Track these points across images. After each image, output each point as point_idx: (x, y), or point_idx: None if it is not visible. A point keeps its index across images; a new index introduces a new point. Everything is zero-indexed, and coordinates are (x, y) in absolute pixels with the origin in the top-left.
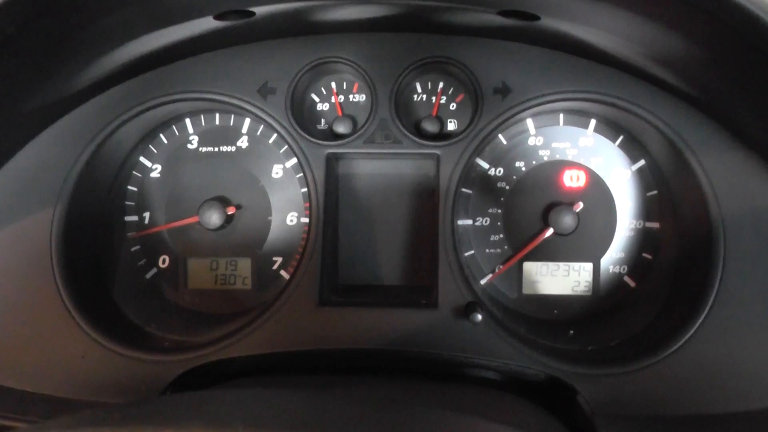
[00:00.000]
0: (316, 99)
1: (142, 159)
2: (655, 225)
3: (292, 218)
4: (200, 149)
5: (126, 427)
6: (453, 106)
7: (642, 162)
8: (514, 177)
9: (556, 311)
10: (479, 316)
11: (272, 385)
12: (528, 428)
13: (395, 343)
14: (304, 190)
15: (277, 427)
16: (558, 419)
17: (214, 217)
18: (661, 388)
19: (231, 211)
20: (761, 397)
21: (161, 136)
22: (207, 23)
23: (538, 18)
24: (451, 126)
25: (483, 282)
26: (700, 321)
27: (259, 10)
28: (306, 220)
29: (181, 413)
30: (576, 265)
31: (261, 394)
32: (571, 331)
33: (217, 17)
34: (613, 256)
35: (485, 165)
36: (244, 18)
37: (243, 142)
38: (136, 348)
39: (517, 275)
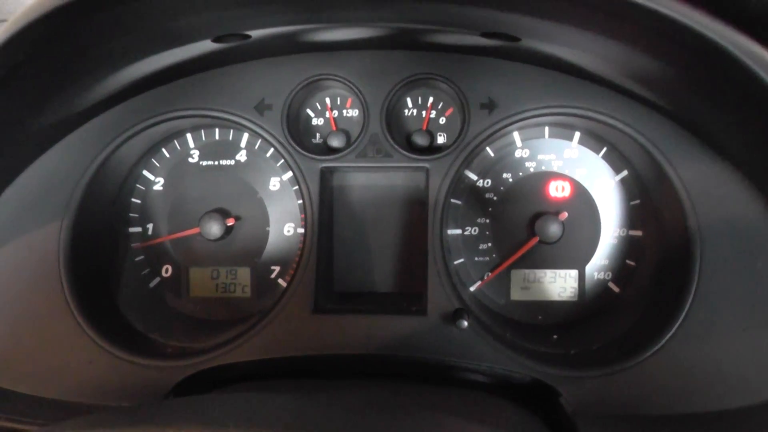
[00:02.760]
0: (311, 114)
1: (145, 173)
2: (638, 233)
3: (289, 229)
4: (201, 163)
5: (131, 429)
6: (442, 120)
7: (625, 172)
8: (502, 188)
9: (540, 316)
10: (465, 323)
11: (267, 389)
12: (509, 429)
13: (386, 348)
14: (300, 202)
15: (266, 427)
16: (541, 420)
17: (214, 228)
18: (641, 388)
19: (230, 222)
20: (736, 397)
21: (163, 150)
22: (205, 46)
23: (518, 39)
24: (441, 139)
25: (472, 289)
26: (677, 324)
27: (255, 33)
28: (302, 230)
29: (179, 416)
30: (562, 272)
31: (253, 397)
32: (555, 336)
33: (215, 40)
34: (597, 263)
35: (474, 176)
36: (240, 40)
37: (242, 156)
38: (140, 354)
39: (505, 282)
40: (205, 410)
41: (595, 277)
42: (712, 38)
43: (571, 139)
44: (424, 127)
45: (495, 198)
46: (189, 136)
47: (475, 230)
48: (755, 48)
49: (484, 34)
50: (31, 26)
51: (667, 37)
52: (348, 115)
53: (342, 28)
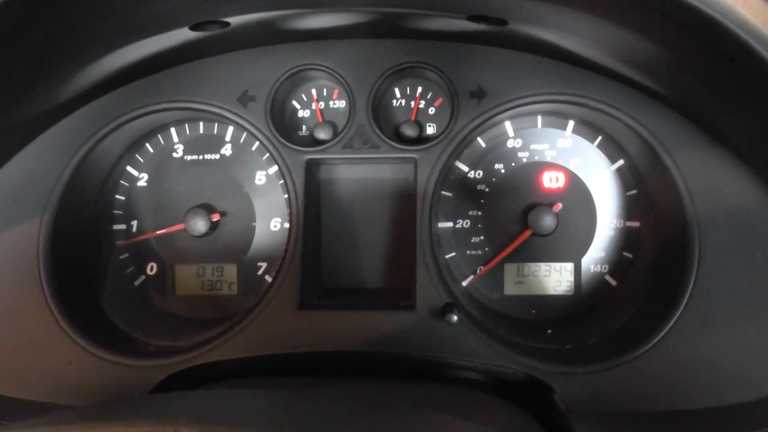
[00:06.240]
0: (297, 106)
1: (128, 168)
2: (635, 224)
3: (275, 224)
4: (185, 157)
5: (78, 425)
6: (432, 111)
7: (621, 162)
8: (494, 179)
9: (534, 311)
10: (455, 317)
11: (242, 387)
12: (498, 427)
13: (374, 344)
14: (287, 196)
15: (219, 423)
16: (533, 417)
17: (199, 224)
18: (637, 384)
19: (216, 218)
20: (734, 392)
21: (147, 145)
22: (183, 34)
23: (506, 23)
24: (431, 130)
25: (465, 283)
26: (675, 318)
27: (234, 20)
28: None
29: (131, 412)
30: (557, 265)
31: (212, 394)
32: (549, 330)
33: (193, 28)
34: (594, 256)
35: (464, 168)
36: (219, 28)
37: (227, 150)
38: (121, 354)
39: (499, 276)
40: (157, 407)
41: (592, 270)
42: (706, 11)
43: (564, 128)
44: (413, 118)
45: (487, 189)
46: (173, 130)
47: (466, 223)
48: (751, 21)
49: (471, 18)
50: None
51: (659, 11)
52: (335, 106)
53: (324, 14)
